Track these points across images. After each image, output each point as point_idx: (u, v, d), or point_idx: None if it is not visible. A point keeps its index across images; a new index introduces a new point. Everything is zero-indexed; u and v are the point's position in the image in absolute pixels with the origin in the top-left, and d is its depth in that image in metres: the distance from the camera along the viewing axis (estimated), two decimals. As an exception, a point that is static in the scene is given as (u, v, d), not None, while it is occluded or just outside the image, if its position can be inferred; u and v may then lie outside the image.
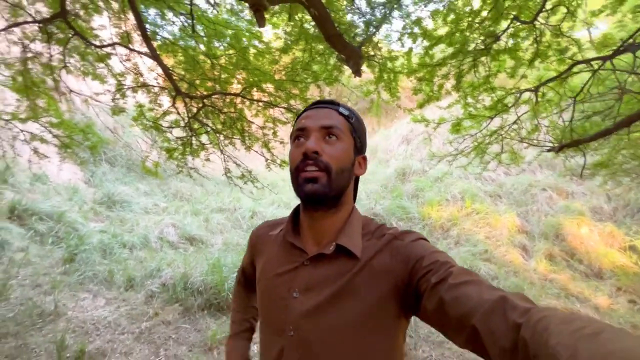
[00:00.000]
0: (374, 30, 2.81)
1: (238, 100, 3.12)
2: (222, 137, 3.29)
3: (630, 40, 2.13)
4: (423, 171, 6.96)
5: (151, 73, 3.14)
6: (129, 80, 3.02)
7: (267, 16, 2.13)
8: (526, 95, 2.98)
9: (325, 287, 0.62)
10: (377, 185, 6.88)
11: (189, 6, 2.47)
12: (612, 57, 2.25)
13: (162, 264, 3.62)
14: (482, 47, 2.72)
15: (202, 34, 2.82)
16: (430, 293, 0.53)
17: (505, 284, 3.97)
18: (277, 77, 3.02)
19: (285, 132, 2.24)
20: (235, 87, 3.28)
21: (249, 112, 3.28)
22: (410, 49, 3.00)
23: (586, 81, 2.59)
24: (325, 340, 0.60)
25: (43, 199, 4.48)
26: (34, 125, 3.09)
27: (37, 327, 2.58)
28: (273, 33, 3.06)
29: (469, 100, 3.13)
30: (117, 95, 2.90)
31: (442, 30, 2.88)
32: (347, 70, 2.98)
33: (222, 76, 3.01)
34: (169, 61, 3.01)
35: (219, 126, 3.26)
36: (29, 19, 2.51)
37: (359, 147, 0.70)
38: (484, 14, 2.61)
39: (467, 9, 2.73)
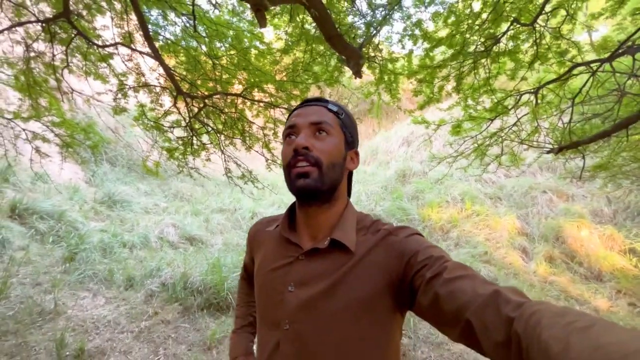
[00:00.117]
0: (375, 31, 2.83)
1: (239, 100, 3.13)
2: (222, 137, 3.30)
3: (629, 43, 2.14)
4: (423, 173, 6.97)
5: (153, 73, 3.16)
6: (130, 80, 3.03)
7: (268, 17, 2.14)
8: (526, 97, 2.99)
9: (320, 281, 0.63)
10: (377, 186, 6.89)
11: (190, 7, 2.48)
12: (611, 59, 2.26)
13: (162, 263, 3.63)
14: (482, 49, 2.73)
15: (203, 34, 2.84)
16: (425, 288, 0.54)
17: (505, 286, 3.96)
18: (278, 77, 3.03)
19: (285, 132, 2.24)
20: (237, 88, 3.30)
21: (250, 113, 3.30)
22: (411, 51, 3.02)
23: (584, 83, 2.60)
24: (320, 333, 0.61)
25: (44, 198, 4.49)
26: (36, 125, 3.10)
27: (37, 326, 2.58)
28: (274, 34, 3.08)
29: (469, 102, 3.14)
30: (119, 95, 2.92)
31: (443, 32, 2.90)
32: (348, 71, 3.00)
33: (224, 76, 3.02)
34: (170, 61, 3.02)
35: (220, 126, 3.27)
36: (32, 19, 2.53)
37: (350, 141, 0.71)
38: (484, 16, 2.63)
39: (468, 11, 2.75)
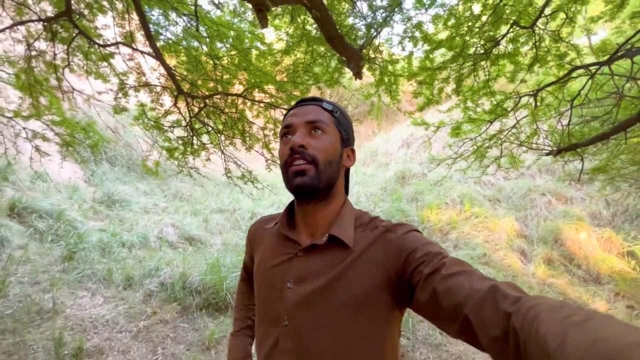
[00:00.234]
0: (375, 33, 2.84)
1: (239, 100, 3.14)
2: (223, 138, 3.31)
3: (628, 46, 2.15)
4: (422, 174, 6.98)
5: (153, 73, 3.17)
6: (131, 80, 3.04)
7: (269, 18, 2.15)
8: (525, 99, 3.00)
9: (318, 277, 0.63)
10: (376, 188, 6.90)
11: (192, 7, 2.49)
12: (609, 62, 2.28)
13: (161, 263, 3.63)
14: (482, 51, 2.74)
15: (204, 34, 2.85)
16: (424, 284, 0.54)
17: (504, 288, 3.96)
18: (278, 78, 3.04)
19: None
20: (237, 88, 3.30)
21: (250, 113, 3.30)
22: (411, 53, 3.03)
23: (583, 85, 2.61)
24: (319, 329, 0.61)
25: (43, 197, 4.49)
26: (36, 123, 3.10)
27: (35, 324, 2.58)
28: (275, 35, 3.09)
29: (469, 104, 3.16)
30: (120, 95, 2.92)
31: (443, 35, 2.92)
32: (348, 72, 3.01)
33: (224, 77, 3.03)
34: (171, 61, 3.03)
35: (220, 126, 3.28)
36: (34, 18, 2.53)
37: (346, 139, 0.71)
38: (484, 18, 2.64)
39: (468, 13, 2.76)
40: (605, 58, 2.40)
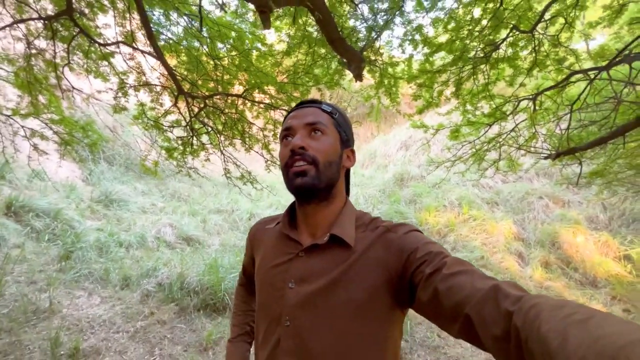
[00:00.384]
0: (376, 36, 2.85)
1: (240, 101, 3.14)
2: (222, 138, 3.31)
3: (626, 52, 2.17)
4: (421, 177, 7.00)
5: (154, 72, 3.17)
6: (131, 79, 3.03)
7: (270, 19, 2.15)
8: (524, 103, 3.02)
9: (319, 278, 0.63)
10: (375, 190, 6.91)
11: (194, 7, 2.50)
12: (608, 67, 2.30)
13: (158, 263, 3.61)
14: (482, 55, 2.76)
15: (205, 35, 2.85)
16: (425, 284, 0.54)
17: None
18: (279, 79, 3.04)
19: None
20: (237, 89, 3.30)
21: (250, 114, 3.30)
22: (411, 56, 3.05)
23: (582, 90, 2.63)
24: (320, 329, 0.61)
25: (40, 196, 4.46)
26: (35, 122, 3.09)
27: (31, 324, 2.56)
28: (276, 36, 3.09)
29: (468, 107, 3.17)
30: (119, 94, 2.92)
31: (443, 38, 2.93)
32: (348, 74, 3.02)
33: (225, 77, 3.03)
34: (171, 61, 3.03)
35: (220, 127, 3.27)
36: (34, 16, 2.52)
37: (345, 140, 0.72)
38: (484, 22, 2.66)
39: (468, 17, 2.78)
40: (603, 63, 2.43)
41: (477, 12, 2.76)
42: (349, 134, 0.74)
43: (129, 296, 3.15)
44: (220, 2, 2.19)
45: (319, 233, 0.69)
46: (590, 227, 5.25)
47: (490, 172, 3.95)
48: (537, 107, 2.96)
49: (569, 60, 2.77)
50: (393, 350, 0.64)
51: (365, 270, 0.62)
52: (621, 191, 4.83)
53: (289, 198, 0.70)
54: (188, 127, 3.13)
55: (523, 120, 3.18)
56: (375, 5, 2.77)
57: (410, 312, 0.67)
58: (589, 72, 2.50)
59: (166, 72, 2.73)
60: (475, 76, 2.94)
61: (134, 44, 2.79)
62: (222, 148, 3.32)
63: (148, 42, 2.45)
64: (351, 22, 2.92)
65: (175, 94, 2.86)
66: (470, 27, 2.73)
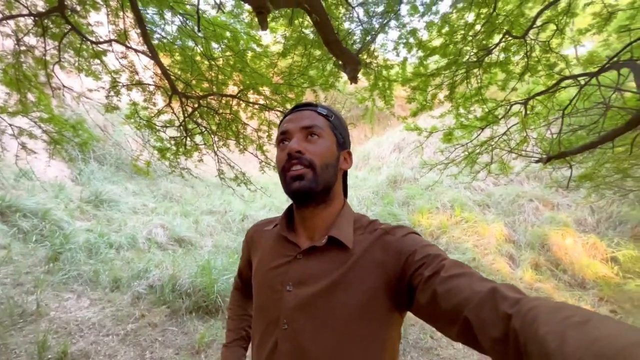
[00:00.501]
0: (371, 38, 2.87)
1: (234, 102, 3.12)
2: (216, 139, 3.28)
3: (615, 59, 2.23)
4: (414, 179, 7.05)
5: (147, 71, 3.13)
6: (123, 78, 2.99)
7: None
8: (516, 107, 3.08)
9: (317, 281, 0.63)
10: (368, 191, 6.93)
11: (189, 7, 2.48)
12: (597, 73, 2.35)
13: (149, 265, 3.56)
14: (475, 59, 2.80)
15: (200, 34, 2.83)
16: (424, 286, 0.54)
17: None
18: (273, 80, 3.04)
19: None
20: (231, 89, 3.28)
21: (244, 115, 3.28)
22: (405, 59, 3.08)
23: (574, 96, 2.69)
24: (318, 332, 0.61)
25: (28, 196, 4.36)
26: (23, 120, 3.02)
27: (18, 327, 2.50)
28: (272, 37, 3.09)
29: (461, 110, 3.21)
30: (112, 93, 2.87)
31: (437, 42, 2.97)
32: (343, 76, 3.03)
33: (219, 77, 3.01)
34: (165, 60, 3.00)
35: (214, 127, 3.25)
36: (24, 12, 2.47)
37: (341, 142, 0.72)
38: (478, 27, 2.70)
39: (462, 22, 2.82)
40: (592, 69, 2.48)
41: (470, 17, 2.80)
42: (345, 136, 0.74)
43: (119, 298, 3.10)
44: (217, 1, 2.18)
45: (317, 235, 0.69)
46: (578, 230, 5.35)
47: (482, 174, 4.00)
48: (528, 112, 3.01)
49: (559, 65, 2.83)
50: (391, 352, 0.64)
51: (364, 273, 0.62)
52: (608, 194, 4.94)
53: (283, 199, 0.69)
54: (181, 127, 3.10)
55: (515, 124, 3.23)
56: (371, 9, 2.78)
57: (403, 313, 0.67)
58: (579, 78, 2.55)
59: (160, 72, 2.70)
60: (468, 80, 2.98)
61: (126, 43, 2.75)
62: (215, 149, 3.29)
63: (142, 41, 2.42)
64: (347, 25, 2.93)
65: (169, 93, 2.83)
66: (464, 32, 2.77)
